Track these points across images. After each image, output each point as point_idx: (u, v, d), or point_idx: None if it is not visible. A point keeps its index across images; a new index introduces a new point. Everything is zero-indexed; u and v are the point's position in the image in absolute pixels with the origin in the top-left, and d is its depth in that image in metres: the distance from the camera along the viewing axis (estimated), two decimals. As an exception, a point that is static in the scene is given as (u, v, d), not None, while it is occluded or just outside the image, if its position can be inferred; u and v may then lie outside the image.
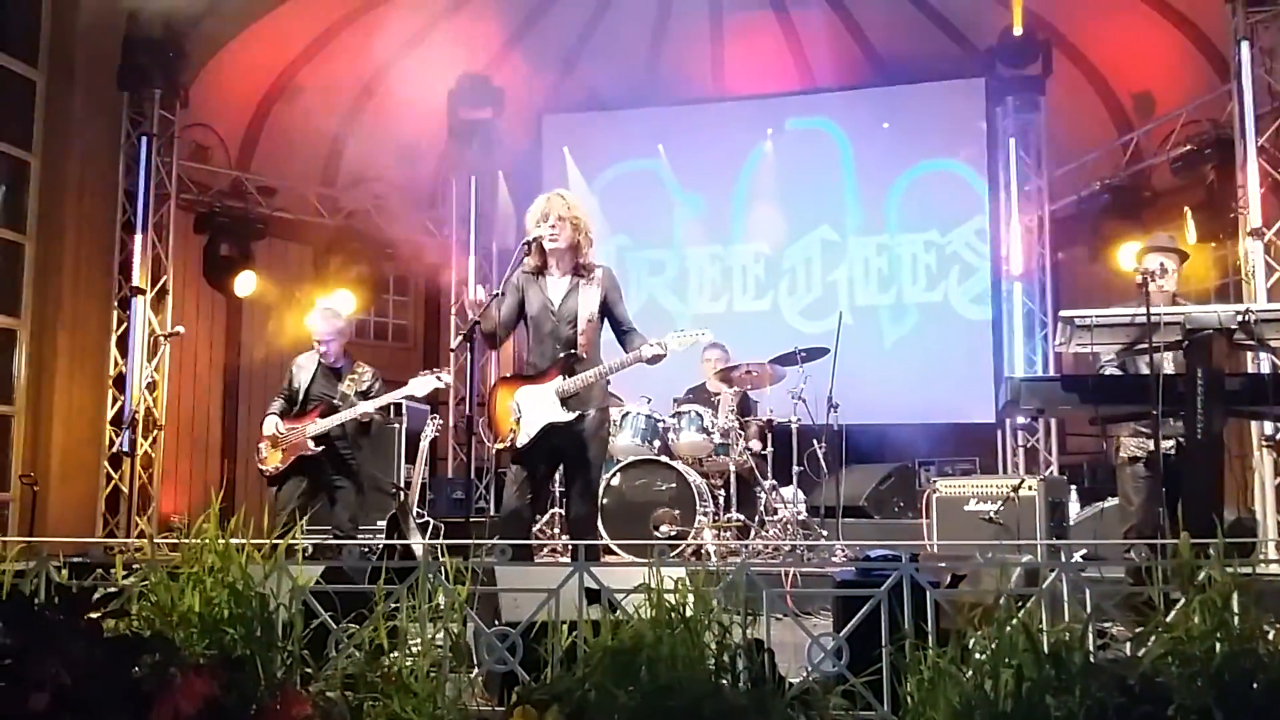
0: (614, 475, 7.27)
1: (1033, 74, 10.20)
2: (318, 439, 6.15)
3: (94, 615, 2.42)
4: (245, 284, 10.38)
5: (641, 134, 11.59)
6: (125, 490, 9.18)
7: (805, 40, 11.83)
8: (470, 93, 11.21)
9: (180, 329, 6.97)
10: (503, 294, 4.91)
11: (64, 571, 3.08)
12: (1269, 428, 7.35)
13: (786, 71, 11.94)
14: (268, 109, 11.21)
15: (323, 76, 11.03)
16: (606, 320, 4.94)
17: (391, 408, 8.66)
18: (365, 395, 6.27)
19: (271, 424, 6.34)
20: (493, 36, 11.28)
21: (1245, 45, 7.72)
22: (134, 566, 3.01)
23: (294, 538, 3.00)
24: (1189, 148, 9.13)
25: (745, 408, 8.14)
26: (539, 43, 11.66)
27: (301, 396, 6.38)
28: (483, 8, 10.80)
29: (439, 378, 6.20)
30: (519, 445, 4.79)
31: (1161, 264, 4.95)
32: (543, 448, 4.83)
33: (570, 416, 4.72)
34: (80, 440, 9.10)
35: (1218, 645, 2.40)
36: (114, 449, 9.04)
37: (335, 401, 6.24)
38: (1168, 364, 4.50)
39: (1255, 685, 2.32)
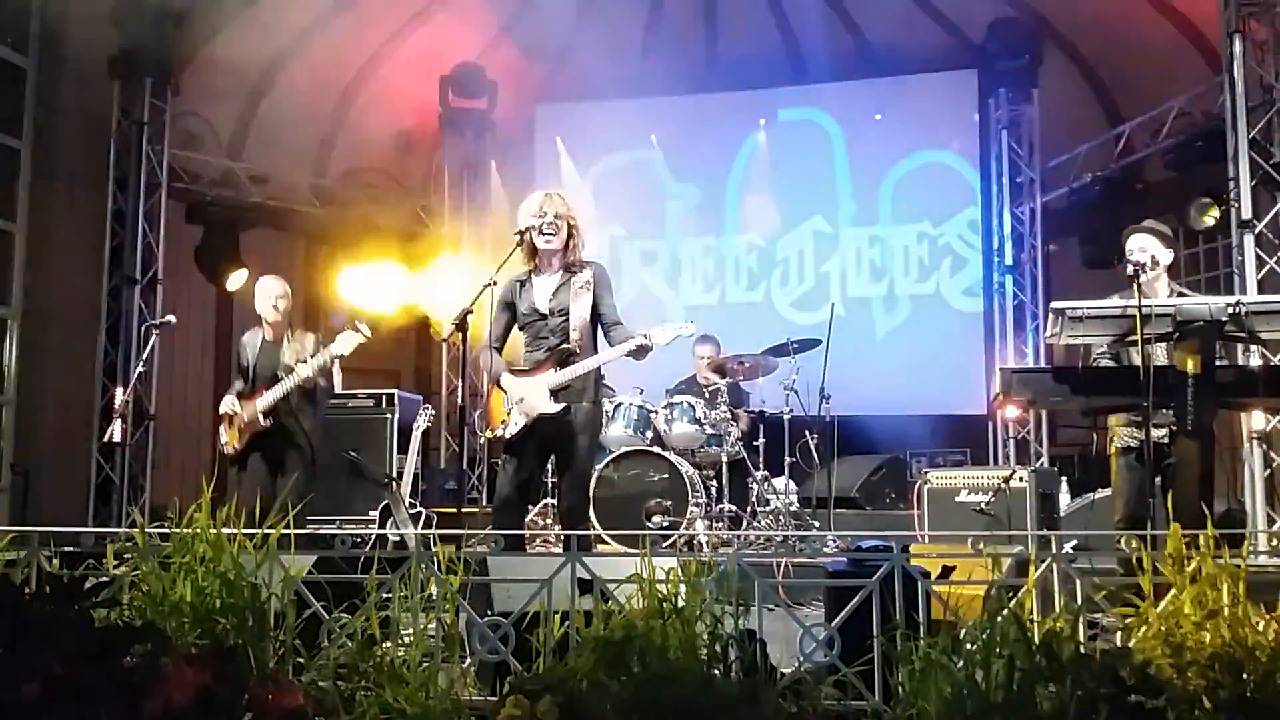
0: (606, 466, 7.27)
1: (1025, 66, 10.21)
2: (266, 412, 6.10)
3: (85, 605, 2.41)
4: (236, 279, 10.32)
5: (635, 124, 11.56)
6: (116, 480, 9.17)
7: (798, 31, 11.81)
8: (463, 82, 11.18)
9: (171, 318, 6.91)
10: (495, 284, 4.92)
11: (55, 561, 3.07)
12: (1259, 419, 7.38)
13: (779, 62, 11.93)
14: (259, 98, 11.16)
15: (315, 65, 10.99)
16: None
17: (384, 398, 8.69)
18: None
19: (227, 404, 6.27)
20: (486, 26, 11.25)
21: (1237, 38, 7.72)
22: (125, 556, 3.01)
23: (287, 526, 2.99)
24: (1180, 140, 9.14)
25: (737, 398, 8.15)
26: (532, 32, 11.62)
27: (251, 374, 6.32)
28: (475, -3, 10.77)
29: (358, 328, 6.13)
30: (508, 436, 4.81)
31: (1152, 256, 4.96)
32: (533, 439, 4.83)
33: (558, 408, 4.73)
34: (71, 430, 9.08)
35: (1208, 635, 2.42)
36: (105, 438, 9.02)
37: (279, 373, 6.17)
38: (1159, 355, 4.51)
39: (1245, 675, 2.33)
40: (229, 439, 6.22)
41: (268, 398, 6.07)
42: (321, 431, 6.32)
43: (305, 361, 6.06)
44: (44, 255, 8.97)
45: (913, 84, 11.05)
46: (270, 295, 6.29)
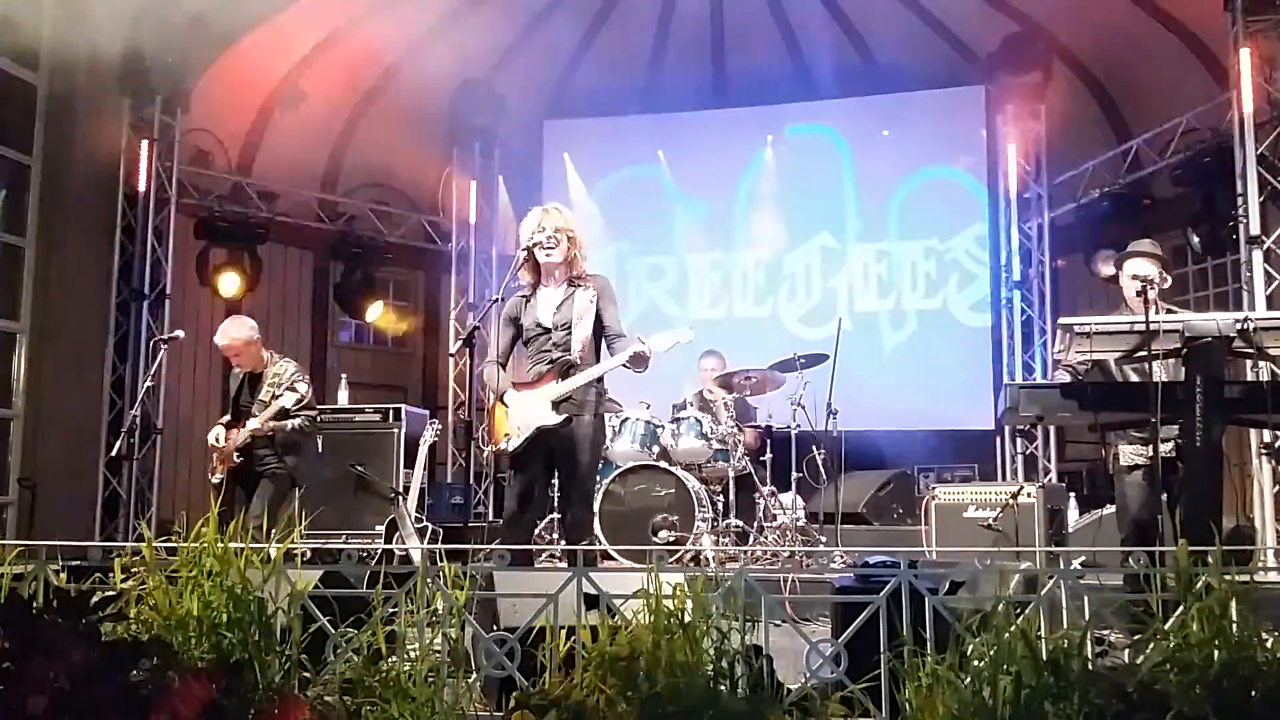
0: (613, 481, 7.26)
1: (1032, 82, 10.21)
2: (240, 449, 6.17)
3: (93, 619, 2.42)
4: (239, 287, 10.40)
5: (642, 140, 11.61)
6: (123, 494, 9.18)
7: (806, 47, 11.86)
8: (472, 99, 11.23)
9: (179, 333, 6.96)
10: (501, 299, 4.94)
11: (62, 575, 3.07)
12: (1267, 435, 7.35)
13: (787, 78, 11.97)
14: (269, 114, 11.23)
15: (325, 82, 11.05)
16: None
17: (391, 412, 8.70)
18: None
19: (213, 435, 6.35)
20: (494, 43, 11.30)
21: (1245, 53, 7.73)
22: (132, 570, 3.01)
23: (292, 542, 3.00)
24: (1188, 155, 9.14)
25: (744, 413, 8.14)
26: (541, 49, 11.69)
27: (233, 408, 6.39)
28: (485, 14, 10.82)
29: (295, 388, 6.19)
30: (511, 450, 4.82)
31: (1161, 272, 4.96)
32: (538, 452, 4.84)
33: (558, 419, 4.74)
34: (79, 444, 9.10)
35: (1216, 653, 2.41)
36: (112, 453, 9.04)
37: (253, 410, 6.23)
38: (1156, 371, 4.50)
39: (1253, 693, 2.32)
40: (216, 468, 6.27)
41: (240, 437, 6.12)
42: (309, 452, 6.34)
43: (278, 397, 6.09)
44: (53, 270, 9.00)
45: (920, 100, 11.08)
46: (229, 348, 6.34)
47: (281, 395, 6.15)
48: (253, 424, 6.09)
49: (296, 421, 6.22)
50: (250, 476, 6.25)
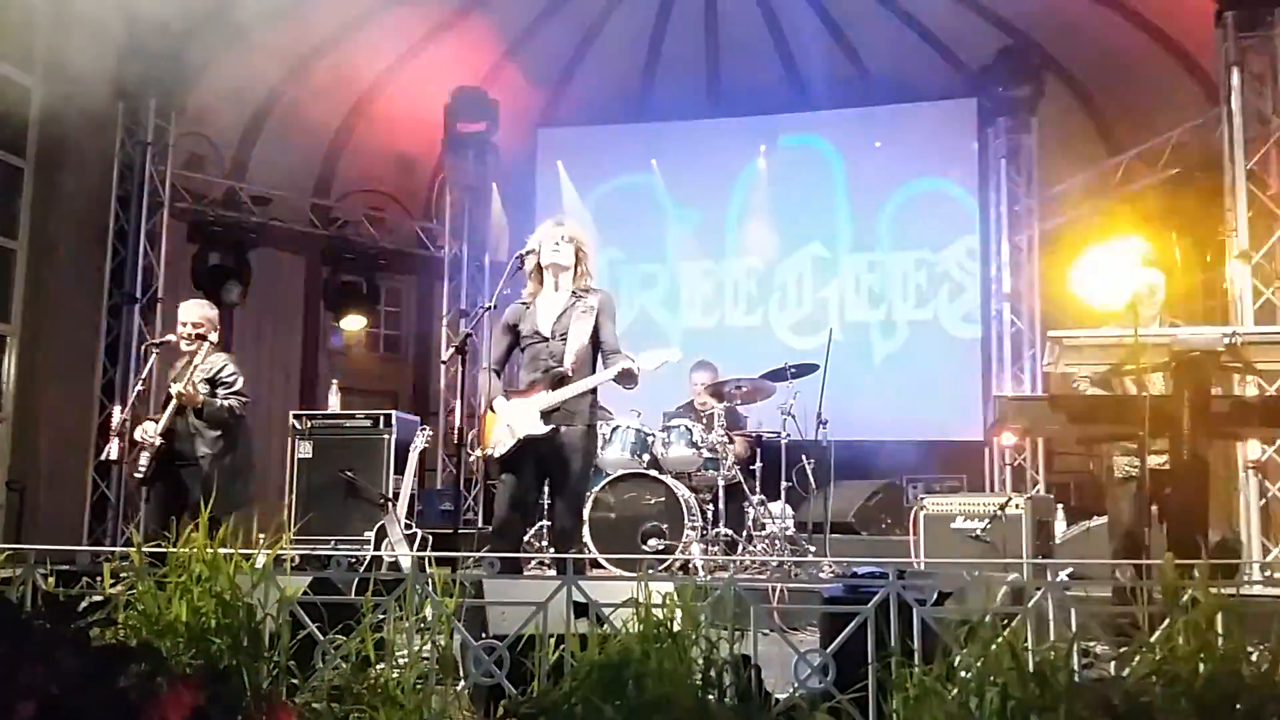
0: (603, 489, 7.26)
1: (1024, 95, 10.27)
2: (164, 433, 5.95)
3: (81, 624, 2.42)
4: (233, 290, 10.40)
5: (635, 149, 11.63)
6: (112, 498, 9.15)
7: (799, 58, 11.91)
8: (466, 106, 11.24)
9: (171, 337, 6.92)
10: (494, 306, 4.96)
11: (51, 580, 3.07)
12: (1254, 449, 7.39)
13: (780, 89, 12.01)
14: (263, 119, 11.22)
15: (319, 88, 11.05)
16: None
17: (381, 418, 8.68)
18: (213, 383, 6.04)
19: (140, 430, 6.11)
20: (489, 50, 11.32)
21: (1235, 70, 7.78)
22: (121, 575, 3.01)
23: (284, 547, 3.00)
24: (1178, 170, 9.19)
25: (734, 422, 8.15)
26: (535, 57, 11.71)
27: (166, 399, 6.13)
28: (480, 21, 10.84)
29: (227, 372, 6.07)
30: (499, 455, 4.84)
31: (1150, 286, 4.98)
32: (527, 460, 4.85)
33: (546, 429, 4.76)
34: (68, 448, 9.07)
35: (1202, 666, 2.42)
36: (101, 457, 9.00)
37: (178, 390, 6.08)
38: (1130, 384, 4.53)
39: (1239, 706, 2.33)
40: (137, 459, 6.07)
41: (163, 417, 5.98)
42: (235, 458, 6.10)
43: (210, 380, 5.96)
44: (45, 273, 8.99)
45: (912, 112, 11.12)
46: (184, 324, 6.21)
47: (217, 376, 6.05)
48: (176, 387, 5.87)
49: (228, 402, 6.01)
50: (173, 470, 6.00)
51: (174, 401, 5.93)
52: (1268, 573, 6.27)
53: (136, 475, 6.06)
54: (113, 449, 6.26)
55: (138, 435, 6.09)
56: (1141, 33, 9.94)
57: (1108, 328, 4.76)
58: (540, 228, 5.04)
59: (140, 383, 7.34)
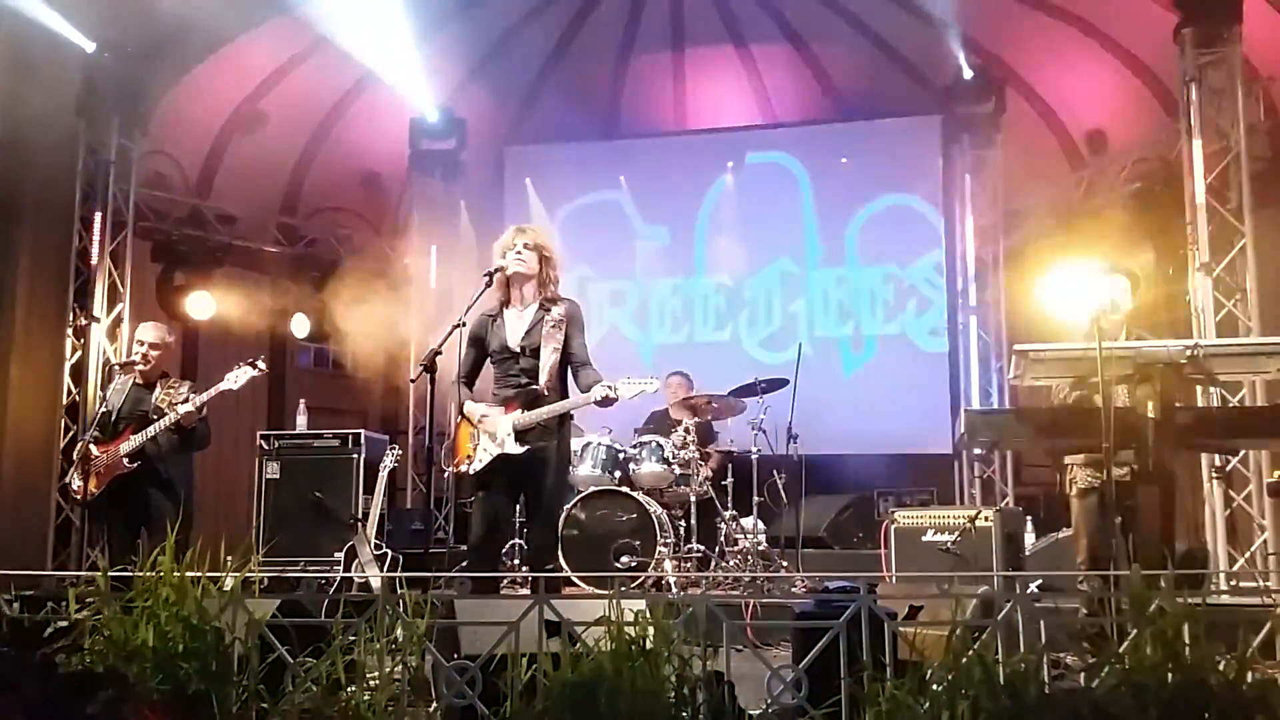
0: (575, 506, 7.25)
1: (988, 111, 10.39)
2: (132, 455, 5.99)
3: (48, 651, 2.38)
4: (200, 306, 10.33)
5: (603, 166, 11.65)
6: (76, 521, 9.02)
7: (766, 75, 12.00)
8: (432, 124, 11.23)
9: (135, 357, 6.87)
10: (463, 324, 4.93)
11: (15, 605, 3.02)
12: (1218, 459, 7.47)
13: (747, 106, 12.09)
14: (228, 137, 11.15)
15: (285, 105, 11.01)
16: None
17: (350, 438, 8.62)
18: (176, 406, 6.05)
19: (82, 449, 6.11)
20: (456, 68, 11.32)
21: (1194, 86, 7.90)
22: (87, 600, 2.97)
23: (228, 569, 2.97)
24: (1140, 185, 9.30)
25: (706, 438, 8.16)
26: (502, 75, 11.72)
27: (114, 419, 6.17)
28: (446, 39, 10.83)
29: (255, 366, 6.11)
30: (472, 471, 4.82)
31: (1113, 300, 5.03)
32: (501, 478, 4.84)
33: (520, 450, 4.74)
34: (31, 470, 8.94)
35: (1169, 675, 2.44)
36: (65, 479, 8.89)
37: (150, 414, 6.09)
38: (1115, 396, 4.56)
39: (1206, 714, 2.35)
40: (80, 487, 6.02)
41: (134, 440, 5.97)
42: (192, 479, 6.20)
43: (179, 405, 5.98)
44: (7, 293, 8.87)
45: (878, 129, 11.21)
46: (142, 343, 6.27)
47: (183, 401, 6.04)
48: (185, 408, 5.89)
49: (199, 424, 6.06)
50: (138, 492, 6.00)
51: (161, 422, 5.92)
52: (1233, 582, 6.34)
53: (76, 498, 6.04)
54: (74, 479, 6.18)
55: (80, 454, 6.07)
56: (1101, 49, 10.09)
57: (1073, 341, 4.80)
58: (503, 235, 5.01)
59: (104, 404, 7.26)
